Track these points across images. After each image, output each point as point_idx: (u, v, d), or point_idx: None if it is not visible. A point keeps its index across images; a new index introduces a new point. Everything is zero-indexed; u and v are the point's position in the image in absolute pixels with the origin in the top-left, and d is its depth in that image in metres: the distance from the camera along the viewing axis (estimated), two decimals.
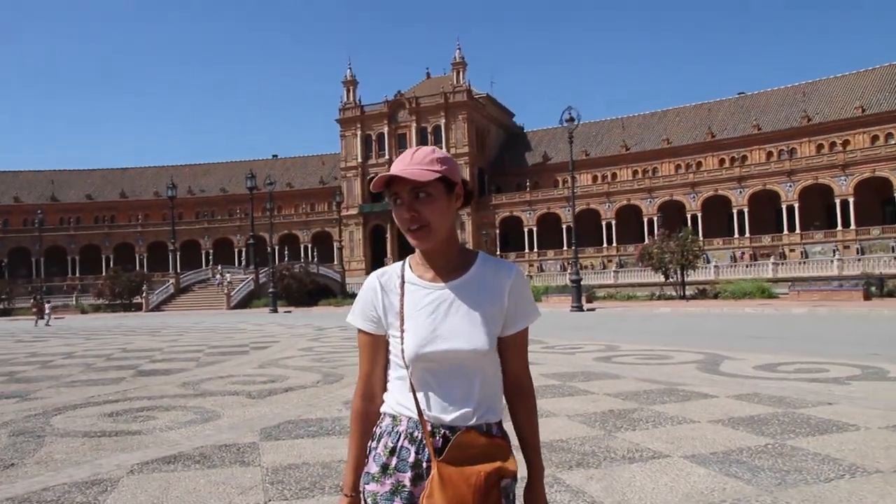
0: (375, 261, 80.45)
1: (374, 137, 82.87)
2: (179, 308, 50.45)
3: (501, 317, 1.70)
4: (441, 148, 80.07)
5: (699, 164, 73.90)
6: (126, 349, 15.68)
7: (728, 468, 4.36)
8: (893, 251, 51.67)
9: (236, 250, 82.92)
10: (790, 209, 63.99)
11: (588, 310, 27.91)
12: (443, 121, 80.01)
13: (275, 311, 39.16)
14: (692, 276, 37.93)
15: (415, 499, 1.61)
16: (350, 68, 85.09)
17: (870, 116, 65.73)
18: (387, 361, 1.76)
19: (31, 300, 42.77)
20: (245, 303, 49.74)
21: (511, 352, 1.74)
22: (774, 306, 24.29)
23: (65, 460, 5.13)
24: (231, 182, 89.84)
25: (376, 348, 1.77)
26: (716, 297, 31.76)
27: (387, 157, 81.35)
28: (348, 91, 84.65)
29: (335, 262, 67.55)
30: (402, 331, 1.68)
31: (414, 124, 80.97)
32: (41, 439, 5.89)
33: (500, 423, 1.72)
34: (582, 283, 38.42)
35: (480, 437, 1.64)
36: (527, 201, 77.89)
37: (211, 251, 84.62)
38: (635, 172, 77.54)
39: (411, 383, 1.67)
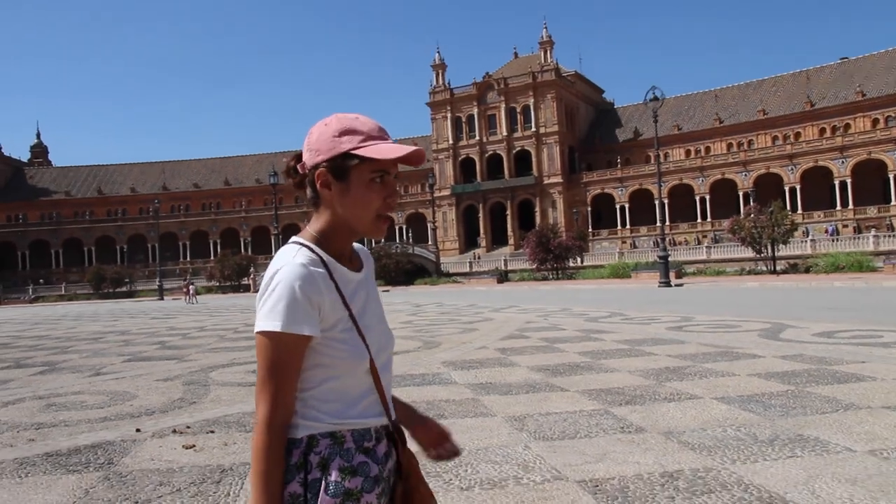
0: (469, 240, 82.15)
1: (464, 119, 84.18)
2: None
3: None
4: (531, 128, 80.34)
5: (797, 135, 71.73)
6: (247, 324, 17.68)
7: (746, 405, 5.47)
8: None
9: None
10: None
11: (676, 285, 28.45)
12: (531, 100, 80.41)
13: None
14: (787, 250, 37.53)
15: None
16: (438, 52, 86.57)
17: None
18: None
19: (183, 282, 50.61)
20: None
21: None
22: (865, 280, 24.23)
23: (231, 400, 6.74)
24: None
25: (302, 356, 1.42)
26: (807, 271, 31.58)
27: (477, 137, 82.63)
28: (437, 75, 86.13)
29: (429, 243, 69.45)
30: (358, 328, 1.46)
31: (503, 105, 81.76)
32: (207, 387, 7.55)
33: None
34: (673, 259, 38.75)
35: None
36: (618, 178, 77.55)
37: None
38: (730, 145, 75.93)
39: (377, 384, 1.49)
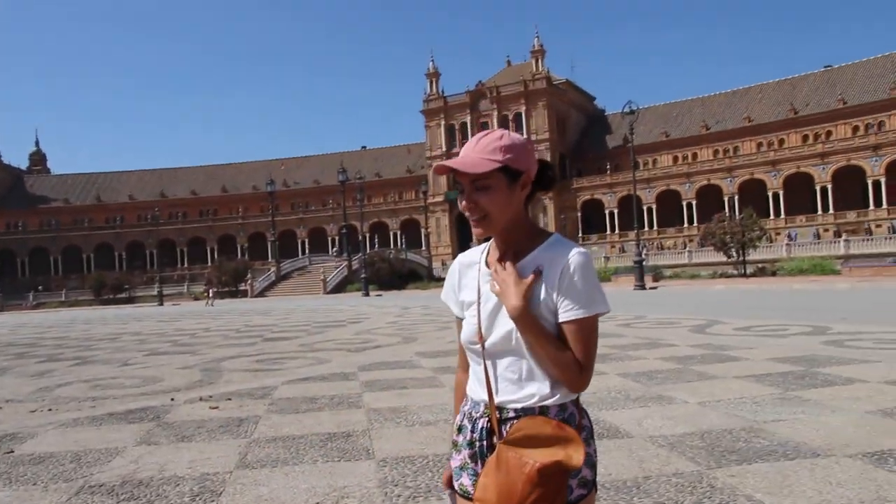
0: (462, 246, 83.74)
1: (457, 127, 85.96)
2: (281, 294, 55.10)
3: (555, 303, 1.62)
4: (523, 135, 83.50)
5: (781, 142, 73.59)
6: (248, 325, 19.41)
7: (636, 378, 7.19)
8: None
9: (329, 238, 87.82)
10: (877, 184, 63.37)
11: (650, 288, 30.19)
12: (523, 108, 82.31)
13: (367, 294, 42.96)
14: (762, 254, 39.37)
15: (478, 475, 1.63)
16: (433, 61, 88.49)
17: None
18: None
19: (204, 286, 56.64)
20: (340, 288, 53.87)
21: (569, 341, 1.60)
22: (822, 282, 26.03)
23: (241, 380, 8.44)
24: (323, 174, 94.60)
25: (459, 324, 1.80)
26: (774, 274, 33.43)
27: None
28: (431, 83, 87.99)
29: (423, 248, 71.24)
30: (479, 310, 1.69)
31: (495, 113, 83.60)
32: (220, 372, 9.25)
33: (576, 407, 1.68)
34: (655, 263, 40.57)
35: (548, 424, 1.58)
36: (607, 184, 79.40)
37: (306, 240, 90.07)
38: (716, 152, 77.82)
39: (484, 365, 1.67)
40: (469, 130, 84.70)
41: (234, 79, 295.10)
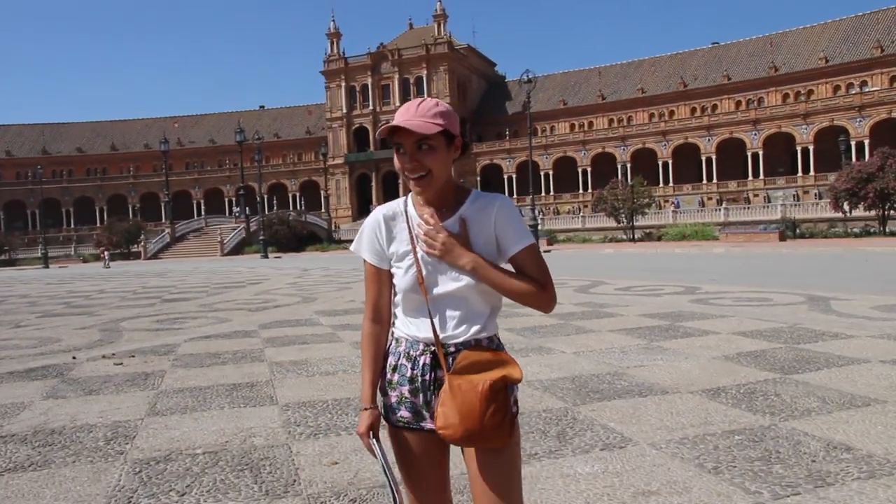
0: (361, 208, 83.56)
1: (358, 89, 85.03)
2: (176, 256, 53.67)
3: (493, 247, 1.81)
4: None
5: (672, 113, 76.82)
6: (145, 287, 19.11)
7: (521, 333, 7.83)
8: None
9: (227, 199, 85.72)
10: (755, 156, 67.36)
11: (545, 251, 31.34)
12: (424, 72, 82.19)
13: (265, 256, 42.55)
14: (649, 220, 41.41)
15: (417, 407, 1.82)
16: (333, 21, 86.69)
17: (833, 67, 68.54)
18: (391, 288, 1.91)
19: (98, 248, 56.03)
20: (237, 250, 53.00)
21: (523, 269, 1.79)
22: (701, 247, 27.90)
23: (142, 339, 8.57)
24: (220, 133, 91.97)
25: (380, 277, 1.91)
26: (659, 239, 35.46)
27: (370, 107, 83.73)
28: (332, 43, 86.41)
29: (322, 210, 70.64)
30: (416, 259, 1.81)
31: (397, 76, 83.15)
32: (120, 332, 9.32)
33: (497, 338, 1.86)
34: (550, 227, 41.96)
35: (485, 351, 1.78)
36: (506, 149, 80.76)
37: (202, 201, 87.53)
38: (611, 121, 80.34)
39: (428, 309, 1.79)
40: (370, 92, 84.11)
41: (123, 29, 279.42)
